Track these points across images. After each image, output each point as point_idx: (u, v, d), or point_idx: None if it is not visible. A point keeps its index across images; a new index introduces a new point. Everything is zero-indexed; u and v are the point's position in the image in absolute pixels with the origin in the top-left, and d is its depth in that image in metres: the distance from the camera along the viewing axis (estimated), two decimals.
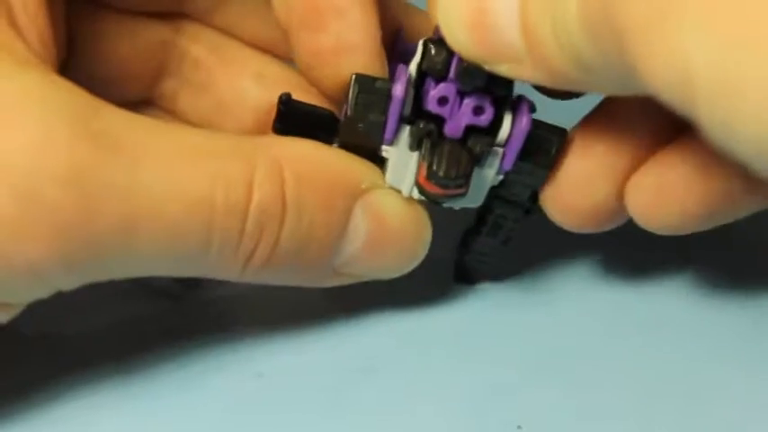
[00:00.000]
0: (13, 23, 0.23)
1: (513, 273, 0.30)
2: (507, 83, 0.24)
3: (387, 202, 0.26)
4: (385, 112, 0.25)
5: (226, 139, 0.24)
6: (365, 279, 0.27)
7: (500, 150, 0.25)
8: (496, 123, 0.25)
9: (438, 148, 0.24)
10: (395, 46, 0.28)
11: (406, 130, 0.25)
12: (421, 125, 0.25)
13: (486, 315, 0.29)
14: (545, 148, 0.26)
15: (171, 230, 0.23)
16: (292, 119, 0.25)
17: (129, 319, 0.28)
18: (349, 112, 0.25)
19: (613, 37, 0.18)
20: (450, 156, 0.24)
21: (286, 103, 0.25)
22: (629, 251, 0.31)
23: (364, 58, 0.26)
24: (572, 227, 0.27)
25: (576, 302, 0.30)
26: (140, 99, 0.29)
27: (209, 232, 0.23)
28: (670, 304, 0.30)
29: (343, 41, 0.26)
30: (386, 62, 0.26)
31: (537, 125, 0.25)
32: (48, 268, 0.22)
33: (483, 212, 0.28)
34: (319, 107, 0.26)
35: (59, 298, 0.23)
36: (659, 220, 0.25)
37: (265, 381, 0.27)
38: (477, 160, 0.25)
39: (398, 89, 0.24)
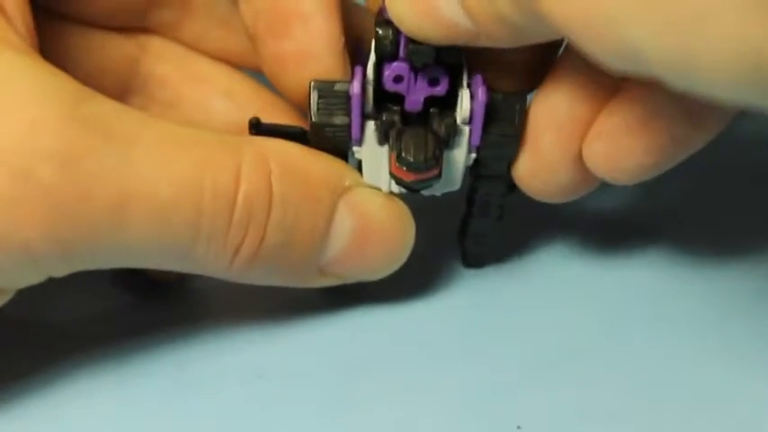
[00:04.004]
0: (2, 10, 0.23)
1: (512, 272, 0.30)
2: (457, 52, 0.25)
3: (370, 200, 0.26)
4: (348, 113, 0.25)
5: (213, 133, 0.25)
6: (351, 280, 0.27)
7: (466, 128, 0.26)
8: (456, 99, 0.26)
9: (404, 136, 0.25)
10: (358, 55, 0.28)
11: (371, 126, 0.26)
12: (384, 118, 0.25)
13: (485, 314, 0.29)
14: (508, 116, 0.26)
15: (161, 214, 0.23)
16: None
17: (124, 321, 0.28)
18: (313, 119, 0.26)
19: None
20: (417, 140, 0.25)
21: (256, 126, 0.26)
22: (630, 247, 0.31)
23: (327, 63, 0.26)
24: (547, 200, 0.27)
25: (575, 301, 0.29)
26: None
27: (198, 218, 0.23)
28: (671, 301, 0.30)
29: (307, 48, 0.26)
30: (349, 68, 0.27)
31: (497, 97, 0.26)
32: (41, 249, 0.22)
33: (470, 195, 0.28)
34: (289, 126, 0.27)
35: (54, 289, 0.24)
36: (616, 171, 0.26)
37: (263, 381, 0.27)
38: (445, 143, 0.26)
39: (355, 86, 0.25)
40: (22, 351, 0.27)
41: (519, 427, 0.26)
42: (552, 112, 0.26)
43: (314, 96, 0.25)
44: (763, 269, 0.30)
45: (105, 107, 0.23)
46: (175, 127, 0.24)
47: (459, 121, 0.26)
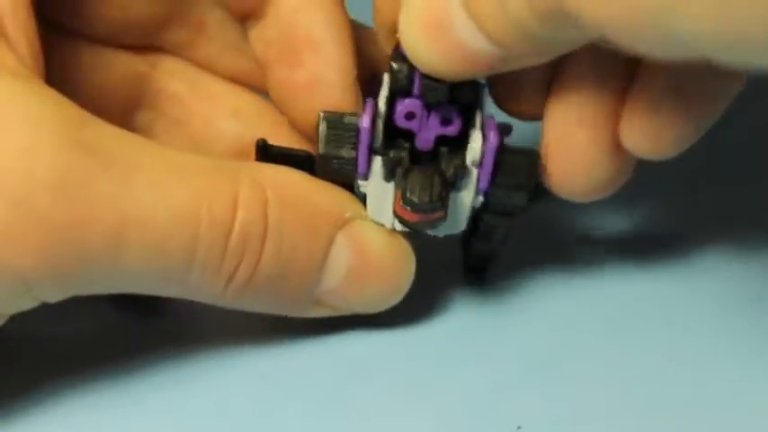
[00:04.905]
0: (2, 33, 0.23)
1: (512, 273, 0.30)
2: (471, 91, 0.24)
3: (369, 234, 0.26)
4: (356, 146, 0.25)
5: (211, 160, 0.25)
6: (347, 312, 0.27)
7: (474, 171, 0.25)
8: (467, 142, 0.25)
9: (410, 175, 0.25)
10: (369, 85, 0.28)
11: (378, 161, 0.25)
12: (391, 154, 0.25)
13: (485, 315, 0.29)
14: (517, 172, 0.26)
15: (157, 241, 0.23)
16: (271, 163, 0.26)
17: (125, 322, 0.29)
18: (321, 150, 0.25)
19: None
20: (423, 180, 0.24)
21: (263, 148, 0.26)
22: (627, 251, 0.31)
23: (339, 94, 0.26)
24: (582, 198, 0.27)
25: (575, 302, 0.29)
26: None
27: (194, 245, 0.23)
28: (670, 304, 0.29)
29: (318, 77, 0.26)
30: (360, 98, 0.26)
31: (507, 150, 0.25)
32: (35, 275, 0.22)
33: (475, 220, 0.27)
34: (296, 149, 0.26)
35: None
36: (659, 147, 0.25)
37: (264, 381, 0.27)
38: (452, 184, 0.25)
39: (365, 120, 0.25)
40: (15, 368, 0.27)
41: (519, 428, 0.26)
42: (576, 109, 0.25)
43: (322, 127, 0.25)
44: (760, 271, 0.30)
45: (105, 133, 0.23)
46: (175, 154, 0.24)
47: (468, 161, 0.25)
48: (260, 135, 0.27)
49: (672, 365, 0.28)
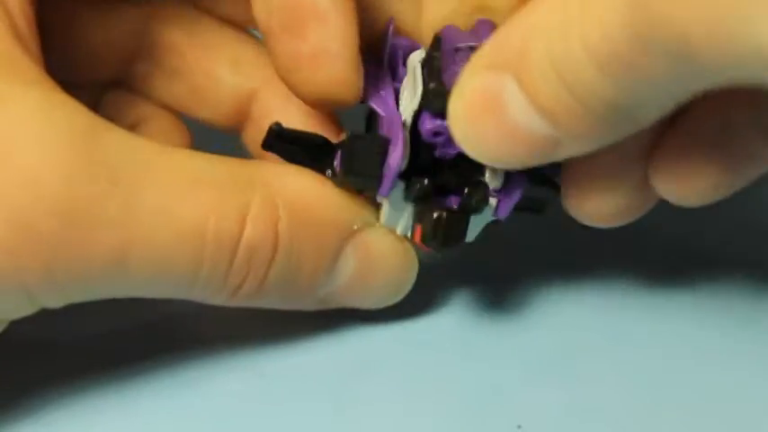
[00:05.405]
0: (16, 33, 0.23)
1: (512, 272, 0.30)
2: None
3: (376, 241, 0.26)
4: (380, 167, 0.25)
5: (225, 167, 0.24)
6: (349, 307, 0.27)
7: (494, 201, 0.26)
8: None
9: (435, 217, 0.25)
10: (384, 39, 0.27)
11: (401, 185, 0.26)
12: (417, 185, 0.25)
13: (487, 314, 0.29)
14: (535, 202, 0.27)
15: (161, 259, 0.23)
16: (283, 146, 0.26)
17: (126, 323, 0.28)
18: (344, 168, 0.25)
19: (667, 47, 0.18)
20: (446, 223, 0.25)
21: (278, 132, 0.25)
22: (630, 252, 0.31)
23: (341, 65, 0.26)
24: (597, 224, 0.26)
25: (577, 302, 0.29)
26: (112, 81, 0.29)
27: (198, 262, 0.23)
28: (672, 303, 0.30)
29: (322, 48, 0.26)
30: (362, 70, 0.26)
31: (530, 177, 0.26)
32: (39, 290, 0.22)
33: None
34: (311, 133, 0.26)
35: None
36: (688, 194, 0.24)
37: (267, 381, 0.27)
38: (473, 212, 0.26)
39: (394, 158, 0.25)
40: (24, 370, 0.27)
41: (519, 427, 0.26)
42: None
43: (348, 147, 0.25)
44: (762, 269, 0.31)
45: (114, 143, 0.23)
46: (185, 161, 0.24)
47: (488, 184, 0.25)
48: (259, 86, 0.27)
49: (672, 362, 0.28)
